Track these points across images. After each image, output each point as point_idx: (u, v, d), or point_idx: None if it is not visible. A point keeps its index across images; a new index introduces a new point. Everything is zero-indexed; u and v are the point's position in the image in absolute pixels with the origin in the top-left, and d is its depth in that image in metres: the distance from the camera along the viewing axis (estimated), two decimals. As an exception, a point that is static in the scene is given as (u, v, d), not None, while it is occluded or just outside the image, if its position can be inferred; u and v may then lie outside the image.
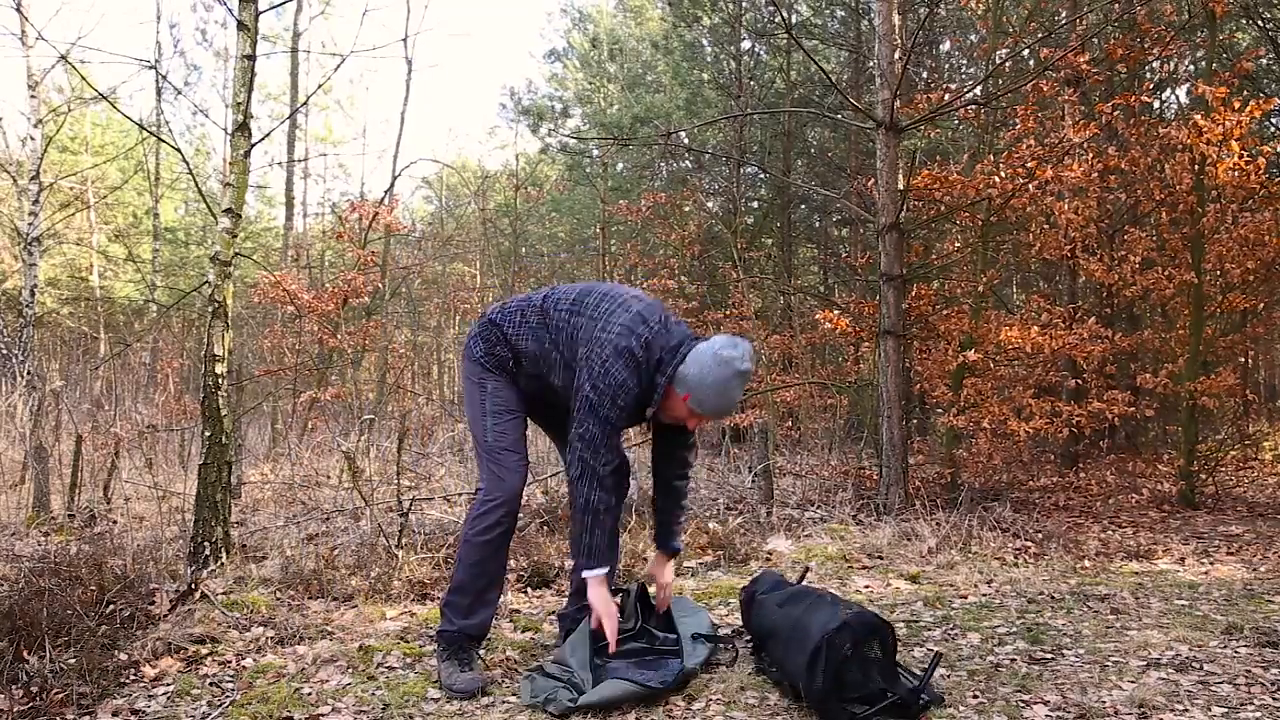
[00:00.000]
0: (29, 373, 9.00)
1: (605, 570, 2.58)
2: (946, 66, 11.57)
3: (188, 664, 2.80)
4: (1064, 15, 8.09)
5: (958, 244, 8.28)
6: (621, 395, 2.46)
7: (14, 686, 2.48)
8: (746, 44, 13.01)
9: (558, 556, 4.03)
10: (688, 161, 14.24)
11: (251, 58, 3.95)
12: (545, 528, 4.51)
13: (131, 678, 2.67)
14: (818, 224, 14.79)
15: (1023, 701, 2.32)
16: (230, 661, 2.84)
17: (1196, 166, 6.05)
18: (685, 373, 2.45)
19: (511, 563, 3.93)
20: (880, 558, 4.29)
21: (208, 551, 3.70)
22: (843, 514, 5.22)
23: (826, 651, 2.19)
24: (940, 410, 7.60)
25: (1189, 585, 3.76)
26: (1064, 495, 6.66)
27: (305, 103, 17.21)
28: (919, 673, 2.35)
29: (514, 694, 2.50)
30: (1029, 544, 4.70)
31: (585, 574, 2.58)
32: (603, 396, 2.45)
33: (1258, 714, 2.21)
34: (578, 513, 2.55)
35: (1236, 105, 5.73)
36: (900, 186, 5.79)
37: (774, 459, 6.12)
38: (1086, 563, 4.37)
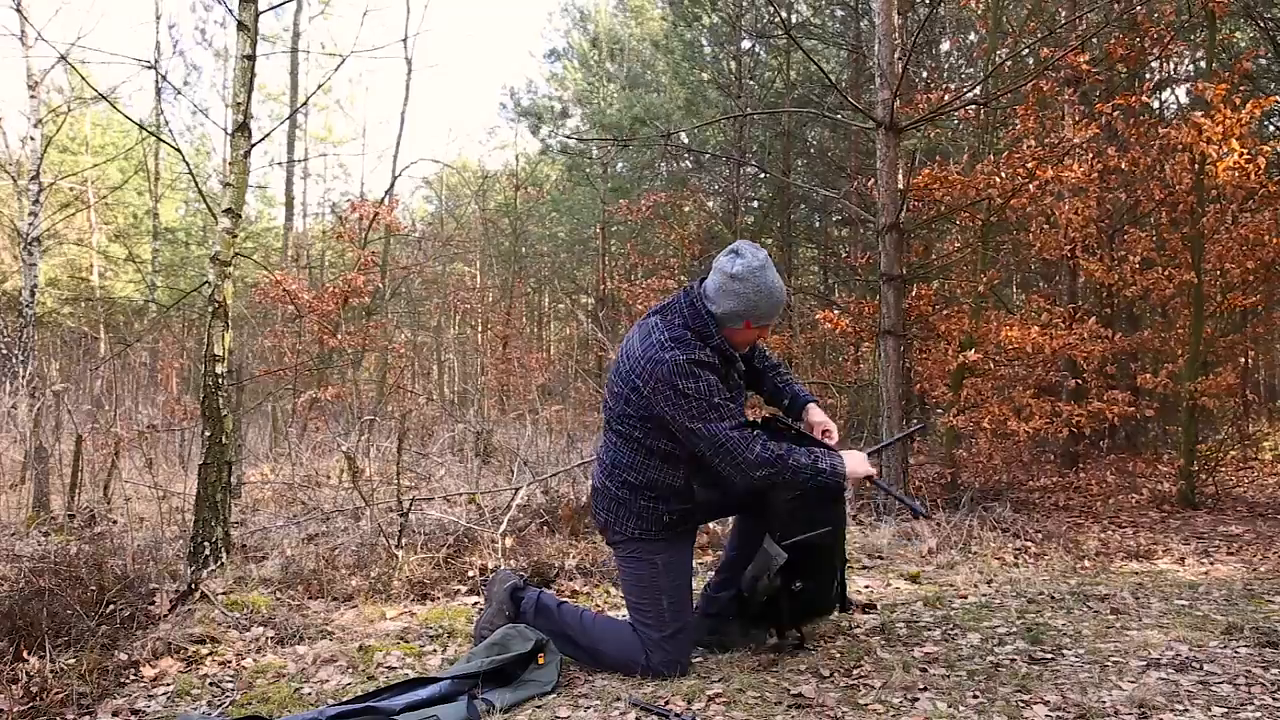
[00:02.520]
0: (30, 373, 9.00)
1: (841, 463, 2.50)
2: (946, 66, 11.57)
3: (188, 664, 2.80)
4: (1064, 15, 8.09)
5: (958, 244, 8.29)
6: (714, 395, 2.42)
7: (14, 686, 2.48)
8: (746, 44, 13.00)
9: (558, 556, 4.03)
10: (688, 161, 14.24)
11: (251, 58, 3.95)
12: (545, 528, 4.51)
13: (131, 678, 2.67)
14: (818, 224, 14.78)
15: (1023, 701, 2.32)
16: (230, 661, 2.84)
17: (1196, 166, 6.05)
18: (721, 311, 2.47)
19: (512, 563, 3.93)
20: (880, 558, 4.30)
21: (208, 551, 3.70)
22: (843, 514, 5.21)
23: None
24: (940, 410, 7.60)
25: (1189, 585, 3.76)
26: (1064, 495, 6.66)
27: (305, 103, 17.21)
28: None
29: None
30: (1029, 544, 4.71)
31: (841, 473, 2.49)
32: (706, 415, 2.40)
33: (1258, 714, 2.21)
34: (791, 483, 2.46)
35: (1236, 105, 5.73)
36: (900, 186, 5.79)
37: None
38: (1086, 563, 4.37)
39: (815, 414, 2.76)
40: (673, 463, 2.56)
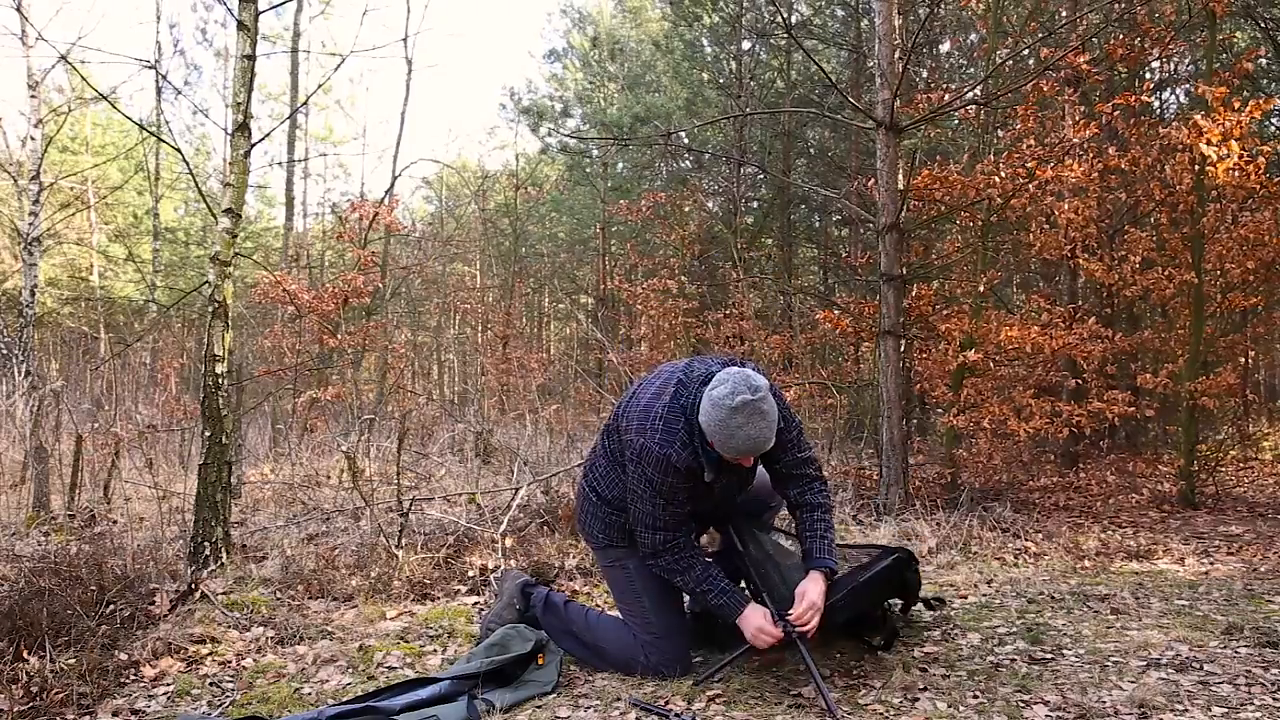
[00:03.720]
0: (29, 373, 9.00)
1: (740, 600, 2.48)
2: (946, 66, 11.56)
3: (188, 664, 2.80)
4: (1064, 15, 8.09)
5: (958, 244, 8.29)
6: (659, 496, 2.43)
7: (14, 686, 2.48)
8: (746, 44, 13.00)
9: (558, 556, 4.03)
10: (688, 161, 14.24)
11: (251, 57, 3.95)
12: (545, 528, 4.51)
13: (131, 678, 2.67)
14: (818, 224, 14.79)
15: (1023, 701, 2.32)
16: (230, 661, 2.84)
17: (1196, 166, 6.04)
18: (704, 424, 2.32)
19: (512, 562, 3.93)
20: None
21: (208, 551, 3.70)
22: (843, 514, 5.22)
23: None
24: (940, 410, 7.60)
25: (1189, 585, 3.76)
26: (1064, 495, 6.66)
27: (305, 103, 17.20)
28: None
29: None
30: (1029, 544, 4.70)
31: (734, 613, 2.47)
32: (643, 503, 2.47)
33: (1258, 714, 2.21)
34: (686, 590, 2.56)
35: (1236, 105, 5.72)
36: (900, 186, 5.79)
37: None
38: (1086, 563, 4.37)
39: (809, 582, 2.45)
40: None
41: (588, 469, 2.75)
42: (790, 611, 2.40)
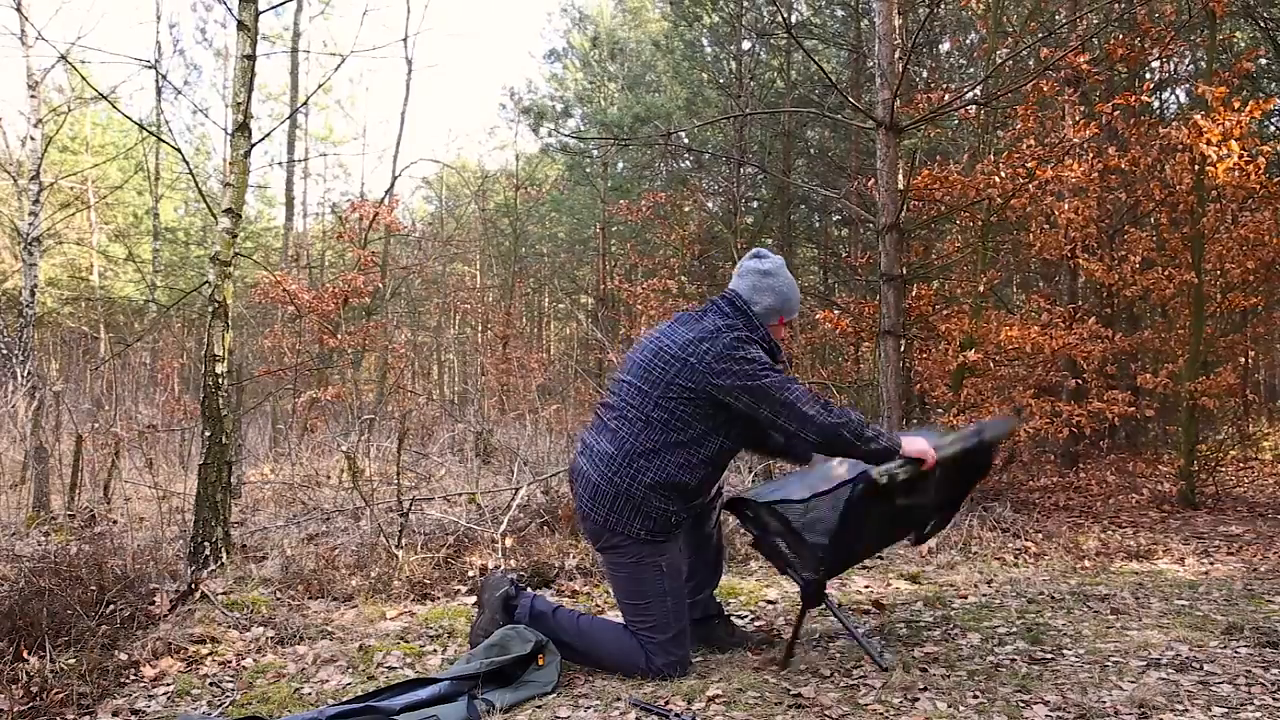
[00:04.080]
0: (29, 373, 9.00)
1: (895, 443, 2.52)
2: (946, 66, 11.57)
3: (188, 664, 2.81)
4: (1064, 15, 8.09)
5: (958, 244, 8.29)
6: (773, 368, 2.51)
7: (14, 686, 2.48)
8: (746, 44, 13.00)
9: (558, 556, 4.03)
10: (688, 161, 14.24)
11: (251, 57, 3.95)
12: (545, 528, 4.51)
13: (131, 678, 2.67)
14: (818, 224, 14.79)
15: (1023, 701, 2.32)
16: (230, 661, 2.84)
17: (1196, 166, 6.05)
18: (760, 309, 2.60)
19: (512, 562, 3.93)
20: (880, 558, 4.29)
21: (208, 551, 3.70)
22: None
23: None
24: (940, 410, 7.60)
25: (1189, 585, 3.76)
26: (1064, 495, 6.66)
27: (305, 103, 17.20)
28: None
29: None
30: (1029, 544, 4.70)
31: (899, 451, 2.51)
32: (774, 383, 2.45)
33: (1258, 714, 2.21)
34: (850, 445, 2.49)
35: (1236, 105, 5.73)
36: (900, 186, 5.79)
37: (774, 459, 6.11)
38: (1086, 563, 4.37)
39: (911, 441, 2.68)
40: (698, 450, 2.53)
41: (619, 460, 2.52)
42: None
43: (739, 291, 2.63)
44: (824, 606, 2.63)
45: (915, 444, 2.53)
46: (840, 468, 2.75)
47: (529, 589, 3.04)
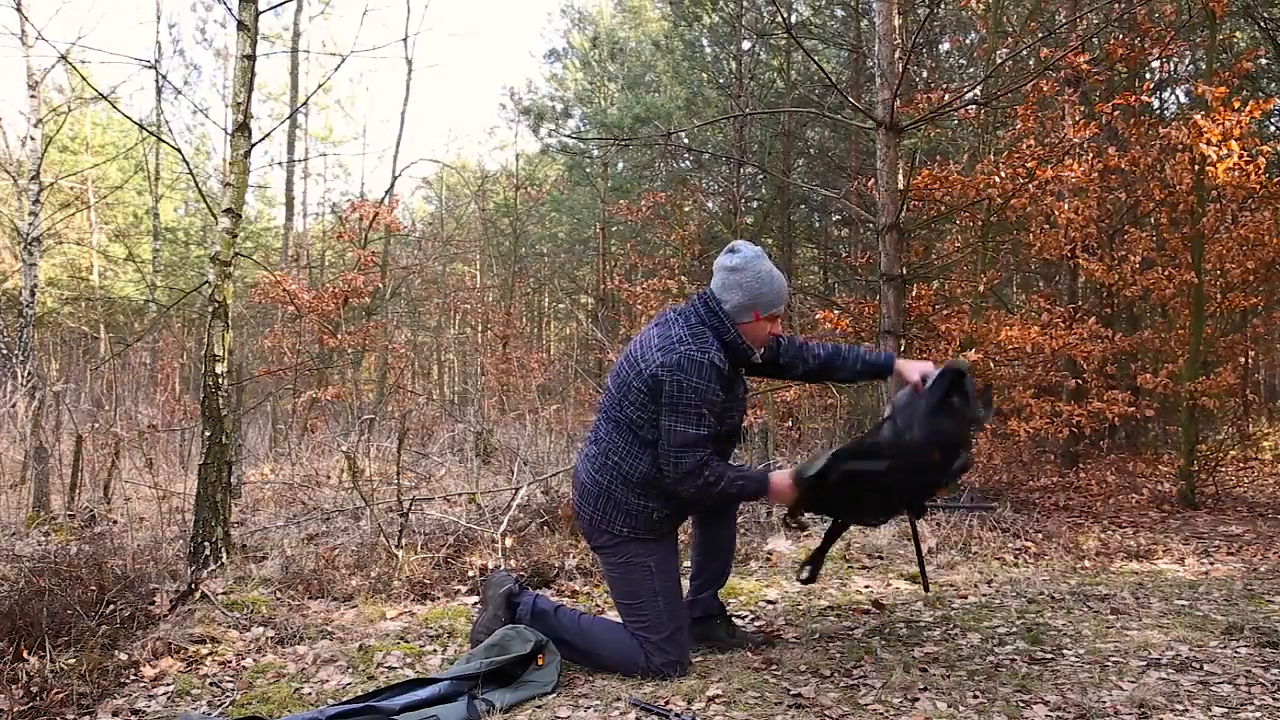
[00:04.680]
0: (29, 373, 9.00)
1: (763, 477, 2.56)
2: (946, 66, 11.57)
3: (188, 664, 2.81)
4: (1064, 15, 8.09)
5: (958, 244, 8.29)
6: (703, 403, 2.47)
7: (14, 686, 2.48)
8: (746, 44, 13.00)
9: (558, 556, 4.03)
10: (688, 161, 14.24)
11: (251, 57, 3.95)
12: (545, 528, 4.51)
13: (131, 678, 2.67)
14: (818, 224, 14.79)
15: (1023, 701, 2.32)
16: (230, 661, 2.84)
17: (1196, 166, 6.05)
18: (730, 306, 2.53)
19: (512, 562, 3.93)
20: (880, 558, 4.29)
21: (208, 551, 3.70)
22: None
23: None
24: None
25: (1189, 585, 3.76)
26: (1064, 495, 6.66)
27: (305, 103, 17.20)
28: None
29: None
30: (1029, 544, 4.70)
31: (769, 490, 2.56)
32: (688, 416, 2.46)
33: (1258, 714, 2.21)
34: (720, 501, 2.63)
35: (1236, 105, 5.73)
36: (900, 186, 5.79)
37: (774, 459, 6.12)
38: (1086, 563, 4.37)
39: (903, 364, 2.74)
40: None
41: (600, 460, 2.64)
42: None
43: (712, 290, 2.59)
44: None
45: (778, 483, 2.55)
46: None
47: (530, 589, 3.04)
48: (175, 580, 3.42)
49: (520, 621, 2.71)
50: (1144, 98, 6.60)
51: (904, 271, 5.84)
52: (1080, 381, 7.51)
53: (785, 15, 6.63)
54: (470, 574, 3.84)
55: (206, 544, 3.71)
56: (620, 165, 16.53)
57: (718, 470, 2.50)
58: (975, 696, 2.36)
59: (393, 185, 13.23)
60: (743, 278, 2.52)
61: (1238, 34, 10.30)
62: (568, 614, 2.72)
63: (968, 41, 10.68)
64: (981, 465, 6.29)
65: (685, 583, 2.93)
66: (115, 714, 2.43)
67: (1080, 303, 8.77)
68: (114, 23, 36.95)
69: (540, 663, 2.58)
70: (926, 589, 2.74)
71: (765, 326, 2.59)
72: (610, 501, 2.60)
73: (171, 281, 18.60)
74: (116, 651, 2.78)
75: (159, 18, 19.91)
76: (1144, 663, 2.61)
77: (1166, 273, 6.52)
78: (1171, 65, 10.07)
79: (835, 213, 13.52)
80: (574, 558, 4.03)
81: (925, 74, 10.35)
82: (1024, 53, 7.25)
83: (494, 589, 2.78)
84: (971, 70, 10.76)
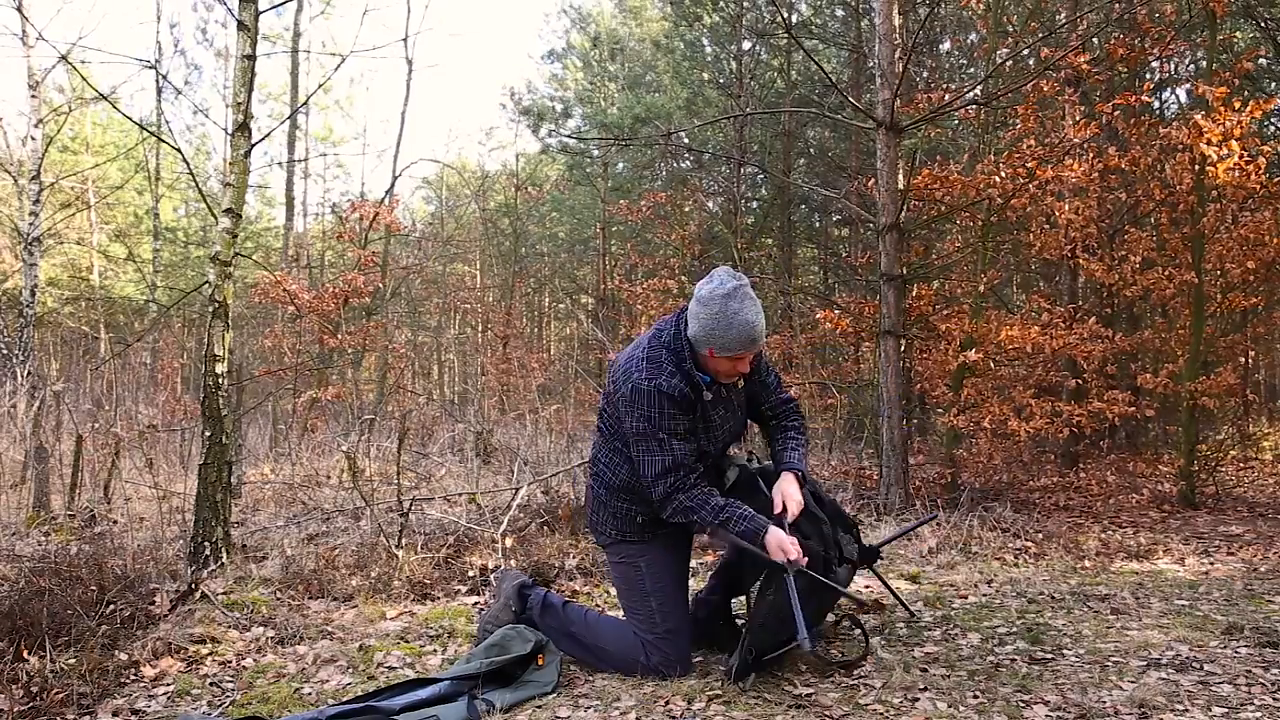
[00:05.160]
0: (30, 373, 9.00)
1: (761, 523, 2.45)
2: (946, 66, 11.57)
3: (188, 664, 2.81)
4: (1064, 15, 8.09)
5: (958, 244, 8.28)
6: (661, 430, 2.43)
7: (14, 686, 2.48)
8: (747, 44, 13.00)
9: (558, 556, 4.03)
10: (688, 161, 14.24)
11: (252, 57, 3.95)
12: (545, 528, 4.51)
13: (131, 678, 2.67)
14: (818, 224, 14.79)
15: (1023, 701, 2.32)
16: (230, 661, 2.84)
17: (1196, 166, 6.05)
18: (694, 334, 2.44)
19: (512, 562, 3.93)
20: (881, 557, 4.29)
21: (208, 551, 3.70)
22: (843, 514, 5.21)
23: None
24: (940, 410, 7.60)
25: (1189, 585, 3.76)
26: (1064, 495, 6.66)
27: (305, 103, 17.20)
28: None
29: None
30: (1029, 544, 4.70)
31: (757, 535, 2.45)
32: (647, 446, 2.45)
33: (1258, 714, 2.21)
34: (708, 526, 2.51)
35: (1237, 105, 5.72)
36: (900, 186, 5.79)
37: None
38: (1086, 563, 4.37)
39: (785, 482, 2.60)
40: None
41: (593, 463, 2.73)
42: (775, 513, 2.53)
43: (681, 330, 2.51)
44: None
45: (773, 540, 2.42)
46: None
47: (542, 586, 3.06)
48: (175, 580, 3.42)
49: (530, 613, 2.77)
50: (1144, 98, 6.59)
51: (904, 271, 5.84)
52: (1080, 381, 7.51)
53: (785, 15, 6.62)
54: (470, 574, 3.84)
55: (206, 544, 3.71)
56: (620, 165, 16.53)
57: (696, 498, 2.47)
58: (975, 696, 2.36)
59: (393, 185, 13.24)
60: (705, 312, 2.40)
61: (1238, 34, 10.30)
62: (575, 609, 2.77)
63: (968, 41, 10.68)
64: (982, 465, 6.28)
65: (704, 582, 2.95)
66: (115, 714, 2.43)
67: (1080, 303, 8.77)
68: (114, 23, 36.98)
69: (540, 663, 2.58)
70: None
71: (727, 364, 2.47)
72: (599, 503, 2.69)
73: (171, 281, 18.60)
74: (116, 651, 2.78)
75: (159, 18, 19.90)
76: (1144, 663, 2.61)
77: (1166, 273, 6.51)
78: (1171, 65, 10.07)
79: (835, 213, 13.52)
80: (574, 558, 4.03)
81: (925, 74, 10.34)
82: (1024, 53, 7.25)
83: (508, 582, 2.86)
84: (971, 70, 10.76)
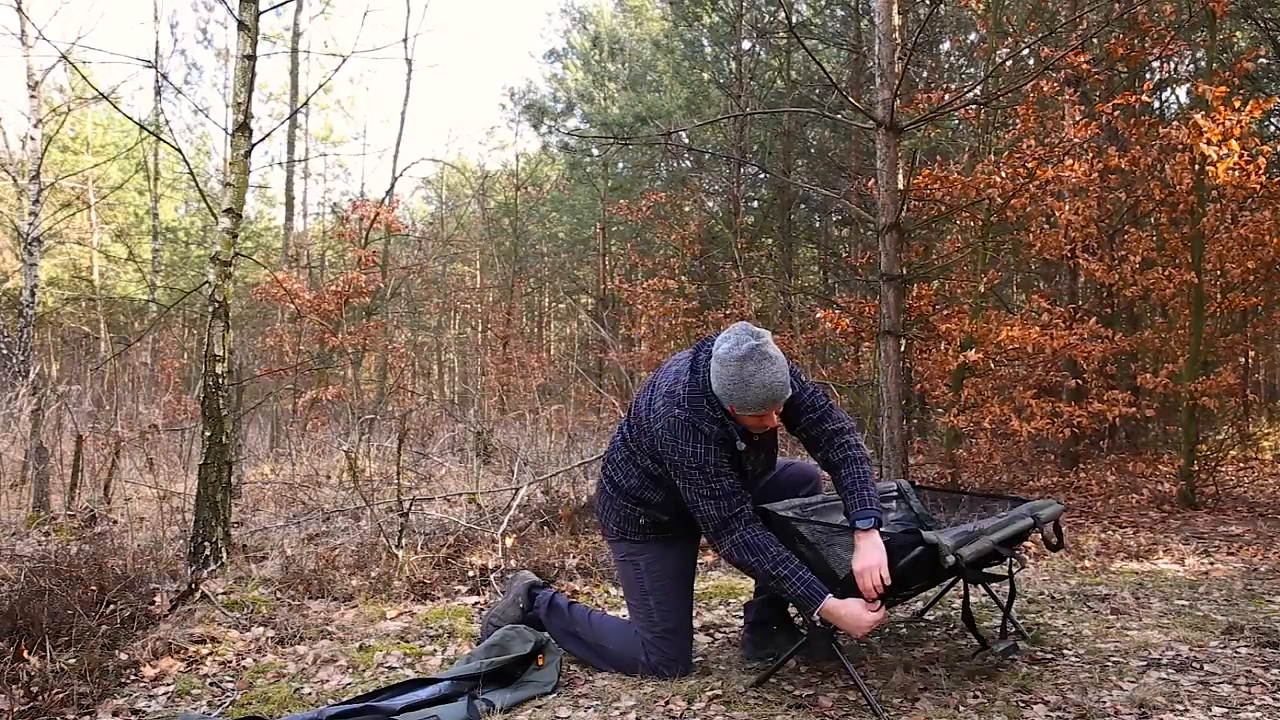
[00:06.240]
0: (30, 373, 9.00)
1: (821, 590, 2.31)
2: (946, 66, 11.57)
3: (188, 664, 2.81)
4: (1064, 15, 8.09)
5: (958, 244, 8.29)
6: (708, 466, 2.37)
7: (14, 686, 2.48)
8: (747, 44, 13.01)
9: (558, 556, 4.03)
10: (688, 161, 14.24)
11: (252, 57, 3.95)
12: (545, 528, 4.51)
13: (131, 678, 2.67)
14: (818, 224, 14.79)
15: (1023, 701, 2.32)
16: (230, 661, 2.84)
17: (1196, 166, 6.05)
18: (716, 391, 2.36)
19: (512, 562, 3.93)
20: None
21: (208, 551, 3.70)
22: (843, 514, 5.21)
23: None
24: (940, 410, 7.60)
25: (1189, 585, 3.76)
26: (1064, 495, 6.66)
27: (305, 103, 17.20)
28: None
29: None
30: (1029, 544, 4.70)
31: (820, 610, 2.31)
32: (694, 481, 2.38)
33: (1258, 714, 2.21)
34: (761, 578, 2.39)
35: (1236, 105, 5.72)
36: (900, 186, 5.79)
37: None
38: (1086, 563, 4.37)
39: (861, 553, 2.27)
40: (654, 482, 2.58)
41: (607, 459, 2.73)
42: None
43: (700, 350, 2.47)
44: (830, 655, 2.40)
45: (843, 611, 2.26)
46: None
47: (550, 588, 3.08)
48: (175, 580, 3.42)
49: (537, 611, 2.79)
50: (1144, 98, 6.59)
51: (904, 271, 5.84)
52: (1080, 381, 7.51)
53: (786, 15, 6.62)
54: (470, 574, 3.84)
55: (206, 544, 3.71)
56: (620, 165, 16.53)
57: (757, 537, 2.36)
58: (975, 696, 2.36)
59: (393, 185, 13.24)
60: (724, 373, 2.30)
61: (1238, 34, 10.30)
62: (580, 609, 2.80)
63: (968, 41, 10.68)
64: (982, 465, 6.28)
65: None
66: (115, 714, 2.43)
67: (1080, 303, 8.77)
68: (114, 23, 36.98)
69: (540, 663, 2.59)
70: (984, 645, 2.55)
71: (752, 420, 2.38)
72: (606, 499, 2.70)
73: (171, 281, 18.60)
74: (117, 651, 2.78)
75: (159, 18, 19.92)
76: (1144, 663, 2.61)
77: (1166, 273, 6.51)
78: (1171, 65, 10.07)
79: (835, 213, 13.52)
80: (574, 558, 4.03)
81: (925, 74, 10.35)
82: (1024, 53, 7.26)
83: (518, 580, 2.90)
84: (971, 70, 10.76)
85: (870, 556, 2.24)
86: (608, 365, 11.99)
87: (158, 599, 3.16)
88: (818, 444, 2.52)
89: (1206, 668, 2.56)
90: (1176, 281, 6.39)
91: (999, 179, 5.97)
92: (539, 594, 2.85)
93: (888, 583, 2.22)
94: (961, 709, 2.28)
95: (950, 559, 2.20)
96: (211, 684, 2.67)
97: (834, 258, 13.77)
